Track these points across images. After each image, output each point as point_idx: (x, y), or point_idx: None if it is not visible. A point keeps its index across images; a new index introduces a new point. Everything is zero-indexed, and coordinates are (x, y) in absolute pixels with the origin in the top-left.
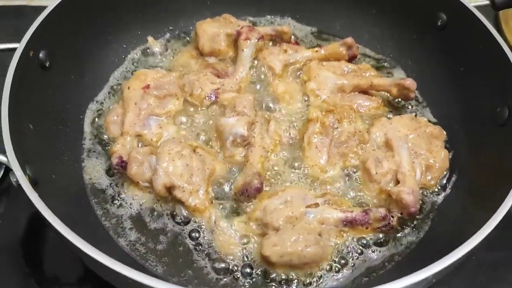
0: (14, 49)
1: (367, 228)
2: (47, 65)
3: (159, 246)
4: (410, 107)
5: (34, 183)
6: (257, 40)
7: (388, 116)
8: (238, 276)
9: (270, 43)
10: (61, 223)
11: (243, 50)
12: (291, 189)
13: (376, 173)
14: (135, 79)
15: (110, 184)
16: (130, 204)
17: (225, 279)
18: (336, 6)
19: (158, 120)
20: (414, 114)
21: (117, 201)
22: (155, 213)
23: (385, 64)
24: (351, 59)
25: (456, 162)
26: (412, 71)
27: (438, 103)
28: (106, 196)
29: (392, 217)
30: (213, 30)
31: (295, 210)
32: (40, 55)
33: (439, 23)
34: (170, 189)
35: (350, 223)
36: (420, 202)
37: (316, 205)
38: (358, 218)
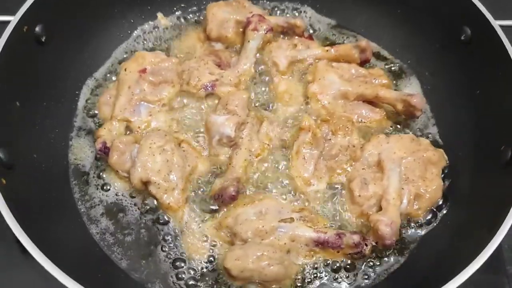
0: (8, 22)
1: (338, 252)
2: (43, 40)
3: (128, 238)
4: (416, 123)
5: (8, 167)
6: (265, 32)
7: (389, 132)
8: (198, 279)
9: (281, 36)
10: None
11: (249, 41)
12: (268, 200)
13: (360, 195)
14: (133, 61)
15: (94, 167)
16: (108, 191)
17: (185, 281)
18: (359, 0)
19: (149, 107)
20: (418, 131)
21: (96, 186)
22: (130, 204)
23: (401, 70)
24: (363, 63)
25: (450, 192)
26: (427, 83)
27: (448, 124)
28: (87, 179)
29: (366, 245)
30: (223, 15)
31: (266, 223)
32: (36, 29)
33: (462, 37)
34: (146, 184)
35: (321, 244)
36: (400, 233)
37: (291, 220)
38: (330, 241)
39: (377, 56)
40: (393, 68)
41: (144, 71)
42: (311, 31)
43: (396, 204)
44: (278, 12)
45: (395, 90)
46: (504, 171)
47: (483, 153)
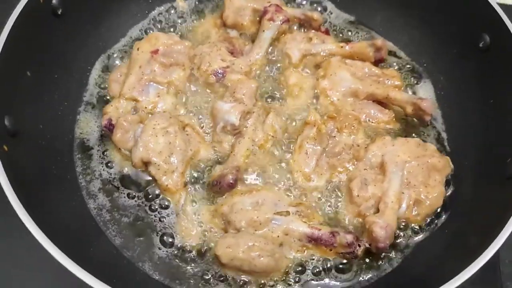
0: None
1: (330, 250)
2: (59, 12)
3: (124, 218)
4: (425, 128)
5: (11, 135)
6: (280, 23)
7: (396, 134)
8: (189, 263)
9: (297, 28)
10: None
11: (264, 31)
12: (265, 192)
13: (358, 195)
14: (146, 41)
15: (99, 143)
16: (110, 168)
17: (175, 264)
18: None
19: (158, 88)
20: (426, 136)
21: (99, 162)
22: (130, 183)
23: (416, 72)
24: (378, 62)
25: (452, 201)
26: (441, 88)
27: (457, 131)
28: (91, 154)
29: (359, 246)
30: (240, 2)
31: (262, 215)
32: (53, 1)
33: (481, 45)
34: (146, 164)
35: (314, 241)
36: (396, 236)
37: (287, 213)
38: (323, 238)
39: (394, 55)
40: (408, 70)
41: (156, 52)
42: (328, 26)
43: (394, 208)
44: (295, 5)
45: (407, 92)
46: (508, 184)
47: (489, 164)
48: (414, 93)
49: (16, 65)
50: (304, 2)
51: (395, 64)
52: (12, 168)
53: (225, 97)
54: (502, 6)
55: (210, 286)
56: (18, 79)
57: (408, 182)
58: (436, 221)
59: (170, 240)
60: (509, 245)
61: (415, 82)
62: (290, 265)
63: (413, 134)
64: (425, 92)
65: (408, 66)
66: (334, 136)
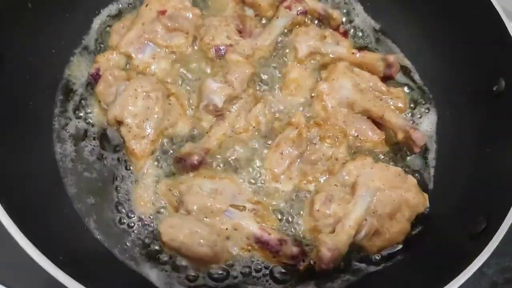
0: None
1: (274, 257)
2: None
3: (86, 172)
4: (414, 158)
5: None
6: (297, 14)
7: (381, 158)
8: (132, 230)
9: (315, 22)
10: None
11: (277, 17)
12: (228, 181)
13: (319, 210)
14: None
15: (84, 89)
16: (86, 117)
17: (120, 227)
18: (412, 15)
19: (155, 50)
20: (412, 167)
21: (78, 109)
22: (102, 138)
23: (424, 98)
24: (386, 78)
25: (415, 241)
26: (444, 123)
27: (446, 172)
28: (73, 97)
29: (303, 261)
30: None
31: (216, 203)
32: None
33: (494, 88)
34: (119, 123)
35: (261, 243)
36: (349, 260)
37: (243, 208)
38: (271, 243)
39: (407, 75)
40: (417, 93)
41: (163, 13)
42: (350, 27)
43: (350, 233)
44: None
45: (410, 116)
46: (475, 239)
47: (464, 215)
48: (415, 119)
49: None
50: None
51: (405, 84)
52: None
53: (217, 76)
54: None
55: (146, 259)
56: (17, 9)
57: (374, 210)
58: (391, 257)
59: (122, 204)
60: None
61: (421, 107)
62: (231, 261)
63: (401, 163)
64: (426, 122)
65: (419, 89)
66: (315, 144)
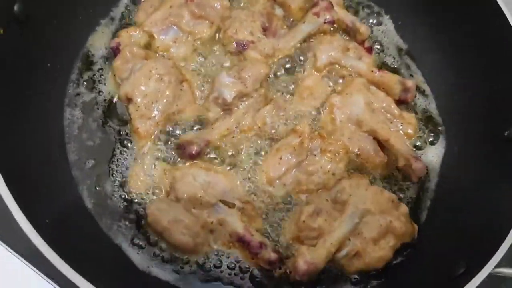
0: None
1: (253, 258)
2: None
3: (89, 141)
4: (412, 187)
5: (22, 20)
6: (324, 22)
7: (378, 181)
8: (122, 208)
9: (341, 33)
10: None
11: (304, 22)
12: (223, 176)
13: (304, 221)
14: None
15: (103, 60)
16: (100, 87)
17: (110, 201)
18: (444, 43)
19: (178, 34)
20: (408, 196)
21: (94, 77)
22: (112, 111)
23: (436, 127)
24: (401, 102)
25: (394, 271)
26: (451, 156)
27: (443, 209)
28: (91, 68)
29: (280, 268)
30: None
31: (207, 196)
32: None
33: (506, 133)
34: (129, 100)
35: (242, 243)
36: (334, 277)
37: (232, 205)
38: (251, 245)
39: (424, 99)
40: (429, 121)
41: None
42: (377, 42)
43: (330, 250)
44: (361, 9)
45: (417, 144)
46: (450, 284)
47: (446, 256)
48: (422, 146)
49: None
50: (368, 11)
51: (419, 109)
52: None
53: (232, 71)
54: None
55: (129, 234)
56: None
57: (360, 232)
58: (367, 280)
59: (118, 178)
60: None
61: (430, 136)
62: (210, 254)
63: (397, 188)
64: (434, 153)
65: (433, 118)
66: (315, 155)
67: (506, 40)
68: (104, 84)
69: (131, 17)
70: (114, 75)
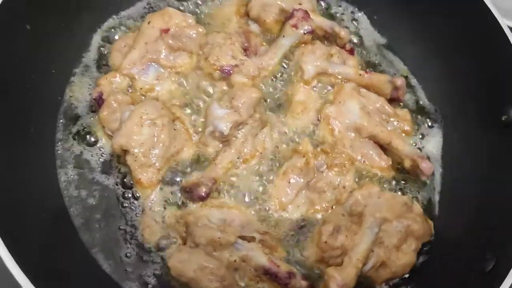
0: None
1: None
2: None
3: (91, 199)
4: (419, 184)
5: None
6: (304, 33)
7: (388, 184)
8: (142, 262)
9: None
10: None
11: (283, 36)
12: (237, 211)
13: (326, 242)
14: (159, 16)
15: (87, 112)
16: (90, 143)
17: (127, 259)
18: (421, 32)
19: (159, 71)
20: (418, 194)
21: (80, 133)
22: (106, 164)
23: (431, 119)
24: (393, 100)
25: (421, 272)
26: (450, 146)
27: (452, 199)
28: (75, 122)
29: None
30: None
31: (225, 236)
32: None
33: (503, 118)
34: (125, 152)
35: (270, 276)
36: None
37: (251, 238)
38: (279, 276)
39: (414, 93)
40: (423, 113)
41: (166, 31)
42: (354, 41)
43: (358, 266)
44: (334, 9)
45: (414, 136)
46: (488, 276)
47: (470, 248)
48: (420, 140)
49: (16, 18)
50: (340, 10)
51: (411, 103)
52: None
53: (223, 101)
54: None
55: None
56: (17, 33)
57: (381, 241)
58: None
59: (131, 234)
60: None
61: (427, 129)
62: None
63: (405, 187)
64: (433, 144)
65: (426, 111)
66: (322, 172)
67: (484, 18)
68: (93, 138)
69: (105, 60)
70: (103, 127)
